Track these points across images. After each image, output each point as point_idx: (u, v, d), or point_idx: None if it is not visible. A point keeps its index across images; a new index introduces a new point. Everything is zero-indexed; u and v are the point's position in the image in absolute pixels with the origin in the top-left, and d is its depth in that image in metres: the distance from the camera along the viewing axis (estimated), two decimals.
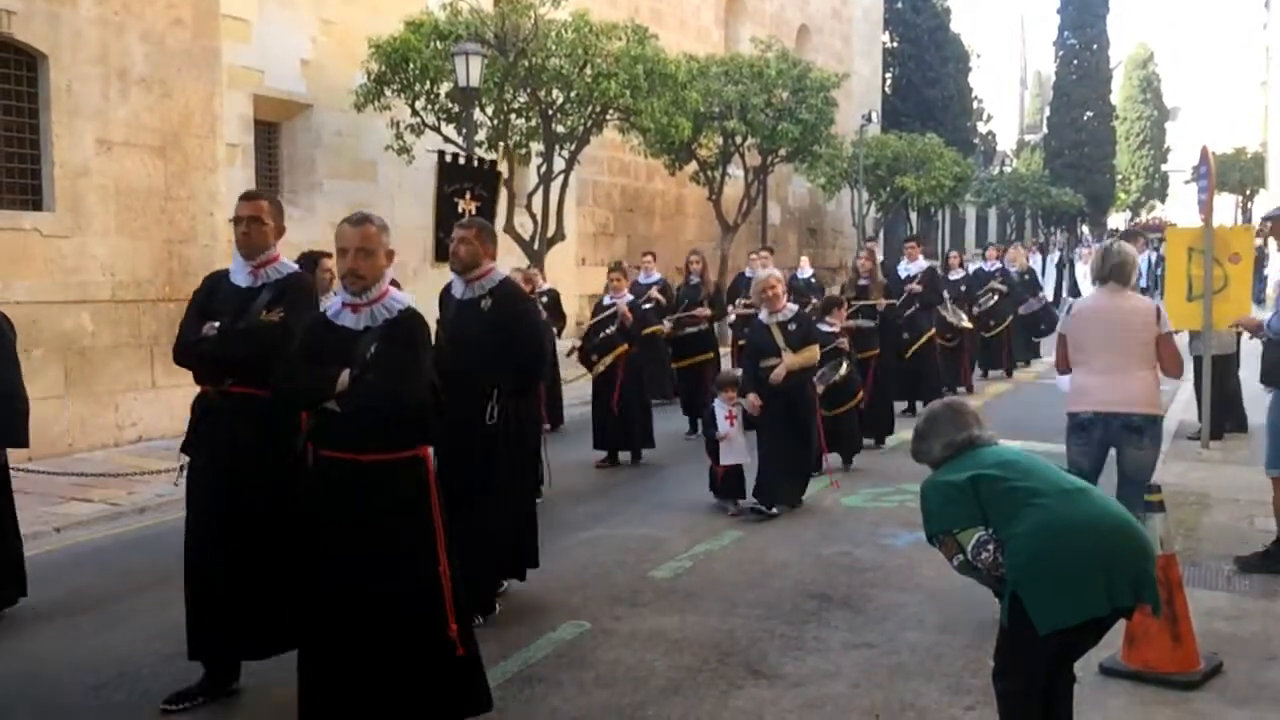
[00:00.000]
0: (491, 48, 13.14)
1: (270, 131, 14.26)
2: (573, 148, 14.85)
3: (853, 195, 26.40)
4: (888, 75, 36.48)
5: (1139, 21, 64.24)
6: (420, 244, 14.68)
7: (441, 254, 8.73)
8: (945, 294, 13.49)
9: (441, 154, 9.24)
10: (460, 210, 9.42)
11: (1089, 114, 47.12)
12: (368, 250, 3.91)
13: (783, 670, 4.94)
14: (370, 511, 3.84)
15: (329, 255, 6.76)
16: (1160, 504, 4.69)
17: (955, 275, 15.14)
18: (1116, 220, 56.19)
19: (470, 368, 5.37)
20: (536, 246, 14.52)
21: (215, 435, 4.60)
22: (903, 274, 12.52)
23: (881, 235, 28.60)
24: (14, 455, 9.24)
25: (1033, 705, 3.49)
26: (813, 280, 13.95)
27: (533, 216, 14.74)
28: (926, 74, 36.62)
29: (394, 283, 4.44)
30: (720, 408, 7.84)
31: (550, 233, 14.70)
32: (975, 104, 42.76)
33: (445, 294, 5.79)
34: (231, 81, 12.39)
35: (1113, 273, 5.69)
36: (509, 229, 14.45)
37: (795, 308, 7.98)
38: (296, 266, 4.88)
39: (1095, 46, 47.49)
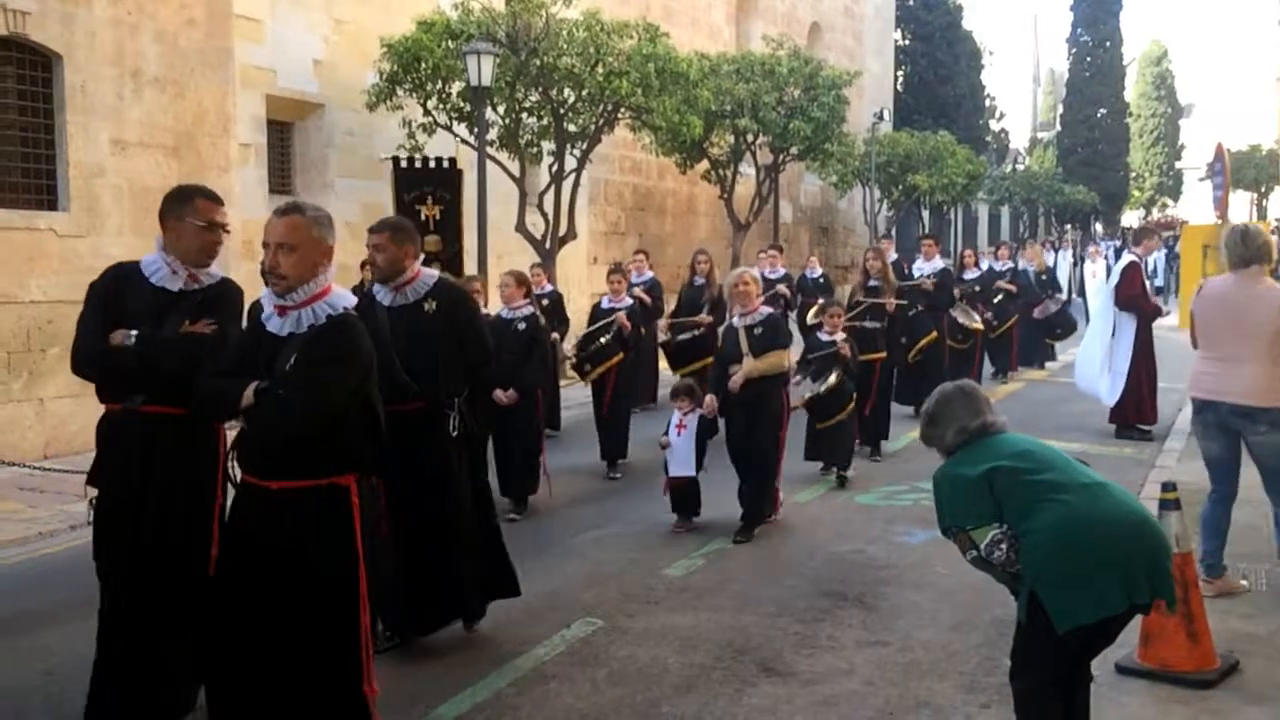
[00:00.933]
0: (503, 47, 13.14)
1: (283, 131, 14.29)
2: (584, 146, 14.83)
3: (865, 193, 26.32)
4: (900, 73, 36.36)
5: (1153, 18, 64.17)
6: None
7: None
8: (957, 294, 12.98)
9: (396, 160, 8.99)
10: (424, 217, 8.99)
11: (1102, 111, 46.89)
12: (291, 245, 3.47)
13: (796, 668, 4.94)
14: (279, 548, 3.42)
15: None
16: (1176, 501, 4.67)
17: (970, 274, 14.66)
18: (1130, 218, 55.94)
19: (424, 377, 4.95)
20: (548, 245, 14.52)
21: (128, 465, 4.02)
22: (918, 273, 12.12)
23: (894, 233, 28.48)
24: (30, 454, 9.32)
25: (1051, 703, 3.46)
26: (822, 280, 13.89)
27: (544, 215, 14.74)
28: (939, 71, 36.47)
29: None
30: (673, 416, 7.43)
31: (562, 232, 14.70)
32: (988, 101, 42.58)
33: (366, 304, 5.16)
34: (244, 81, 12.42)
35: (1258, 254, 5.48)
36: (520, 228, 14.45)
37: (767, 310, 7.33)
38: (223, 274, 4.29)
39: (1109, 43, 47.25)
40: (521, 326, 7.75)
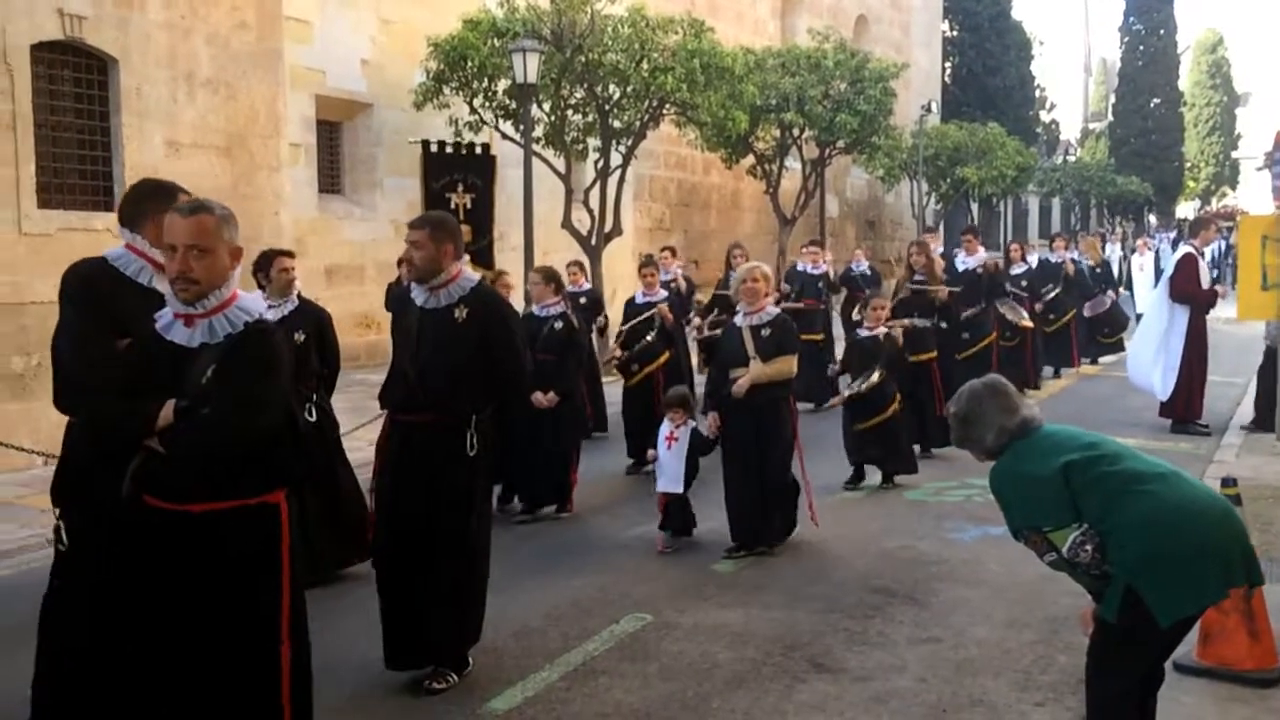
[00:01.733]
0: (549, 44, 13.19)
1: (332, 131, 14.46)
2: (629, 142, 14.85)
3: (912, 187, 26.08)
4: (948, 64, 35.97)
5: (1207, 4, 62.68)
6: None
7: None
8: (1007, 287, 12.64)
9: (425, 144, 8.45)
10: (453, 205, 8.43)
11: (1156, 101, 46.05)
12: (203, 248, 3.12)
13: (847, 664, 4.91)
14: (199, 574, 3.11)
15: (290, 254, 6.30)
16: (1236, 497, 4.58)
17: (1017, 269, 13.95)
18: (1185, 209, 54.91)
19: (442, 390, 4.58)
20: (594, 242, 14.55)
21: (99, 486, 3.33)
22: (960, 268, 11.48)
23: (941, 227, 28.19)
24: None
25: (1135, 704, 3.36)
26: (869, 273, 13.76)
27: (590, 212, 14.78)
28: (987, 63, 36.03)
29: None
30: (664, 427, 6.89)
31: (608, 228, 14.73)
32: (1038, 92, 42.00)
33: (398, 296, 4.93)
34: (294, 82, 12.58)
35: None
36: (566, 225, 14.50)
37: (775, 310, 6.75)
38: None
39: (1162, 32, 46.39)
40: (558, 325, 7.49)
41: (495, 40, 13.32)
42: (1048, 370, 14.07)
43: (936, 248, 14.37)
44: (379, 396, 4.98)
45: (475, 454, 4.61)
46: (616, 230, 14.93)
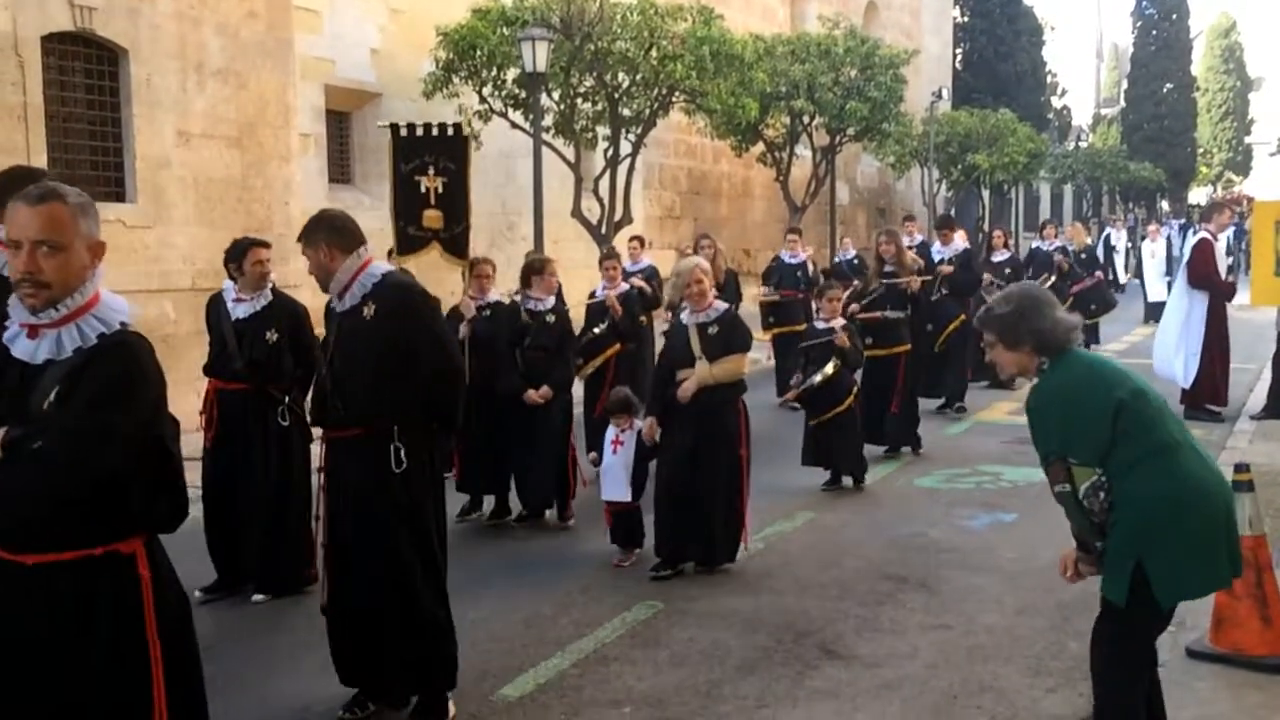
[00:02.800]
0: (558, 32, 13.16)
1: (342, 121, 14.46)
2: (639, 131, 14.82)
3: (923, 174, 25.99)
4: (958, 50, 35.78)
5: None
6: (489, 231, 14.81)
7: (404, 246, 7.60)
8: (987, 279, 11.72)
9: (394, 126, 7.87)
10: (424, 189, 7.57)
11: (1168, 86, 45.76)
12: (55, 244, 2.57)
13: (858, 651, 4.92)
14: (36, 641, 2.56)
15: (265, 245, 5.85)
16: (1249, 483, 4.56)
17: (999, 256, 13.15)
18: (1198, 195, 54.58)
19: (359, 401, 4.13)
20: (604, 231, 14.54)
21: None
22: (936, 257, 11.15)
23: (953, 214, 28.11)
24: None
25: (1142, 689, 3.33)
26: (855, 262, 13.61)
27: (600, 200, 14.77)
28: (998, 48, 35.80)
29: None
30: (609, 431, 6.44)
31: (618, 217, 14.71)
32: (1049, 78, 41.74)
33: (329, 306, 4.39)
34: (304, 72, 12.57)
35: None
36: (576, 213, 14.49)
37: (723, 306, 6.19)
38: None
39: (1175, 16, 46.07)
40: (551, 319, 7.13)
41: (504, 29, 13.30)
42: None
43: (916, 236, 13.87)
44: (309, 414, 4.70)
45: (404, 469, 4.08)
46: (626, 219, 14.91)
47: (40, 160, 9.28)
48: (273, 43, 11.23)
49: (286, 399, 5.74)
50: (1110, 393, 3.20)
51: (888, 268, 9.16)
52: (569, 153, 14.57)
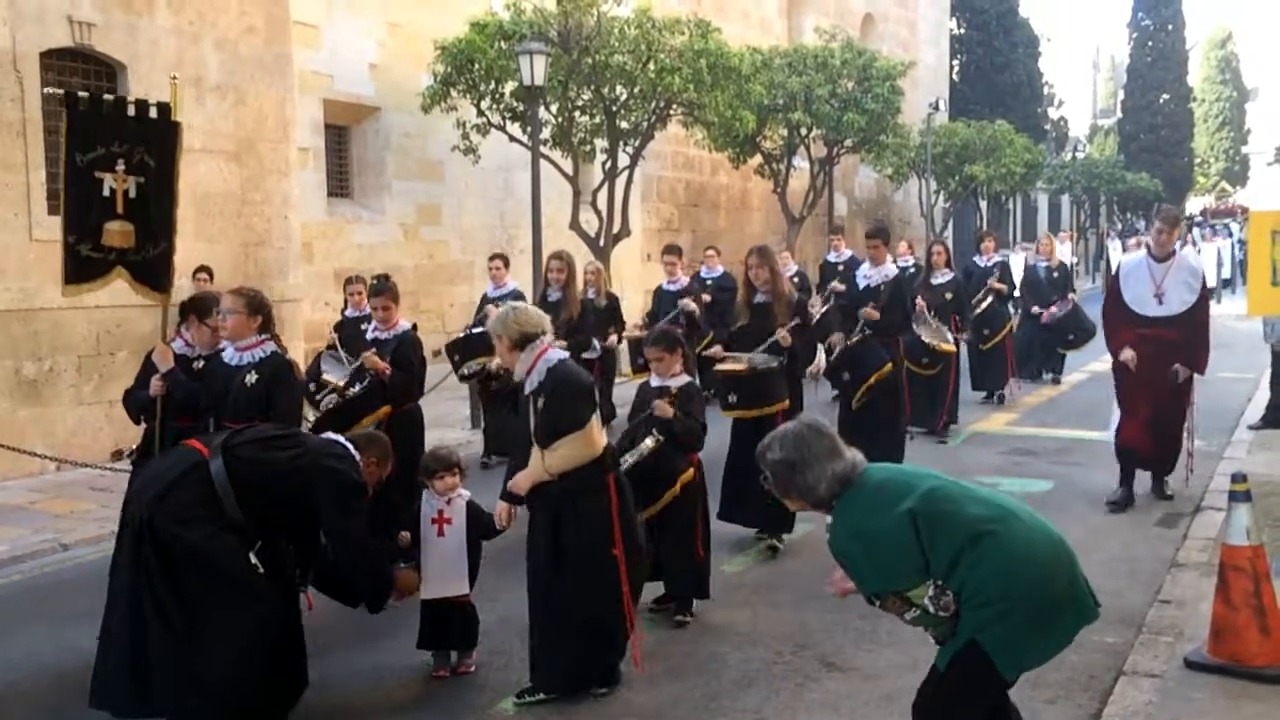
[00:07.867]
0: (555, 46, 13.20)
1: (340, 134, 14.49)
2: (637, 143, 14.86)
3: (921, 185, 26.03)
4: (955, 62, 35.89)
5: (1216, 0, 62.40)
6: (488, 244, 14.83)
7: (75, 272, 5.36)
8: (924, 306, 10.16)
9: (69, 95, 5.33)
10: (108, 192, 5.22)
11: (1165, 96, 45.91)
12: None
13: (857, 663, 4.91)
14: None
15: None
16: (1246, 493, 4.57)
17: (940, 278, 10.85)
18: (1195, 205, 54.71)
19: None
20: (602, 243, 14.56)
21: None
22: (861, 281, 8.57)
23: (951, 225, 28.14)
24: (101, 455, 9.56)
25: None
26: (796, 279, 12.93)
27: (598, 213, 14.79)
28: (995, 60, 35.93)
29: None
30: (427, 504, 4.92)
31: (616, 229, 14.74)
32: (1046, 89, 41.85)
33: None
34: (302, 86, 12.61)
35: None
36: (574, 226, 14.52)
37: (557, 356, 4.63)
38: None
39: (1171, 27, 46.25)
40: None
41: (502, 43, 13.34)
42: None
43: (843, 251, 13.22)
44: None
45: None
46: (625, 231, 14.94)
47: (38, 176, 9.31)
48: (271, 57, 11.27)
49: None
50: (897, 510, 3.04)
51: (759, 297, 6.94)
52: (567, 165, 14.60)
